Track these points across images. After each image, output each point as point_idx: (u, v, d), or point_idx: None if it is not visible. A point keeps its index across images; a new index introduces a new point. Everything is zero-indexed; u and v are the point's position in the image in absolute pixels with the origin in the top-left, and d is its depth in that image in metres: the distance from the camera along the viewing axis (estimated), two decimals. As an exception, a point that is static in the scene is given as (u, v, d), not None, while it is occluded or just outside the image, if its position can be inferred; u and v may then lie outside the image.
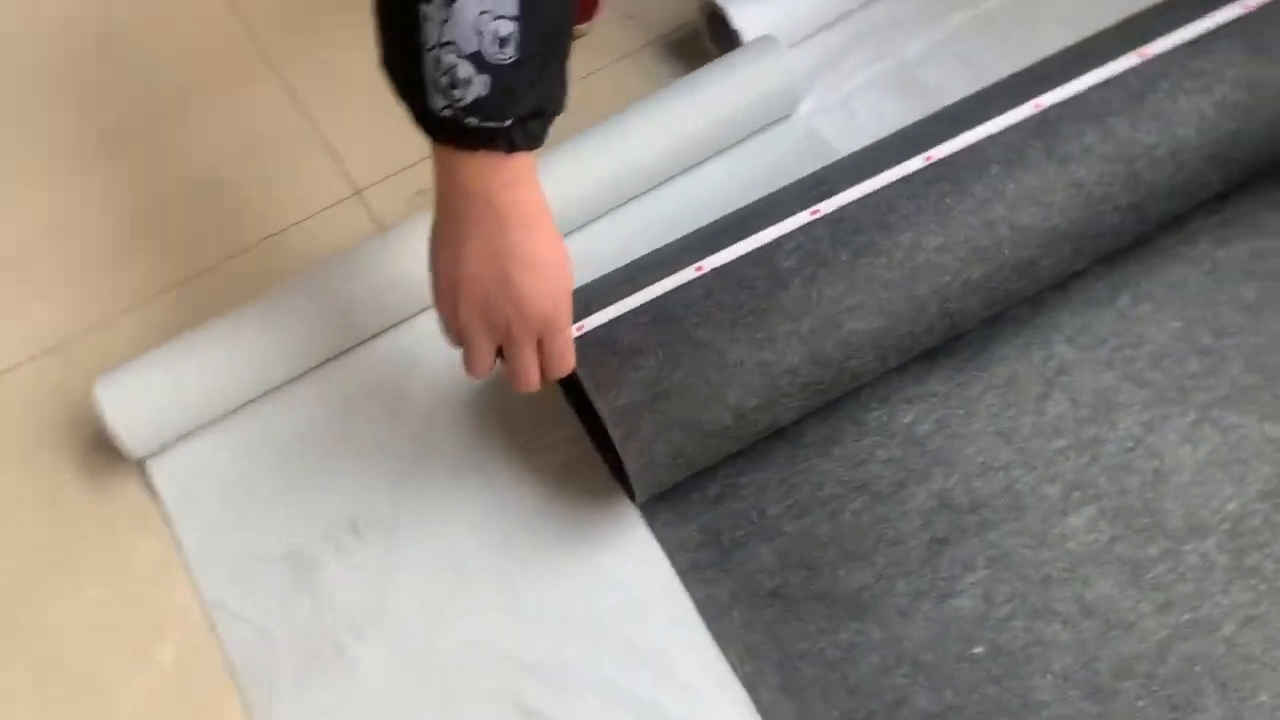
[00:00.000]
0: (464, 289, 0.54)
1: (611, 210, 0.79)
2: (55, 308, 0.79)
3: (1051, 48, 0.75)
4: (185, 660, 0.65)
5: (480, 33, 0.47)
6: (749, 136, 0.81)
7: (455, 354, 0.57)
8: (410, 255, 0.74)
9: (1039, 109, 0.67)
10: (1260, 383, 0.65)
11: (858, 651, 0.59)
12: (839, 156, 0.78)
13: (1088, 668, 0.57)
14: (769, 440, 0.66)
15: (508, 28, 0.48)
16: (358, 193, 0.84)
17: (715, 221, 0.69)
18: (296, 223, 0.83)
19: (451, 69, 0.48)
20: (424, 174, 0.81)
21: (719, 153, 0.81)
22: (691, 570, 0.63)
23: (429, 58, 0.48)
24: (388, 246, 0.74)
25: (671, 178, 0.80)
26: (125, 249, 0.82)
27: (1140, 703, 0.56)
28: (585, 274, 0.64)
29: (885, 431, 0.66)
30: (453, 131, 0.50)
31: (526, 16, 0.48)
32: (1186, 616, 0.58)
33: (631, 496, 0.63)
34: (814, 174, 0.70)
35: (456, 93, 0.48)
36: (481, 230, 0.52)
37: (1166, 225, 0.71)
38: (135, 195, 0.85)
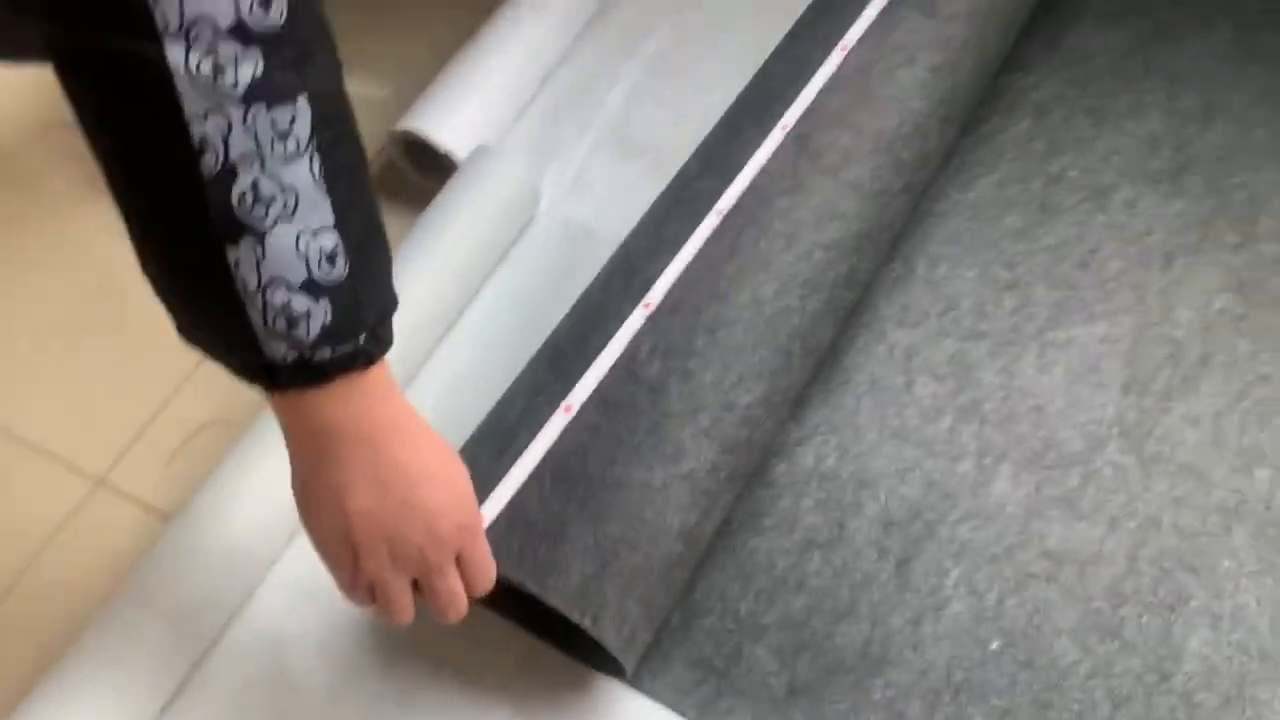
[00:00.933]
0: (360, 536, 0.47)
1: (403, 384, 0.71)
2: None
3: (737, 61, 0.78)
4: None
5: (305, 257, 0.41)
6: (504, 253, 0.77)
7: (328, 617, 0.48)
8: (210, 542, 0.62)
9: (787, 130, 0.69)
10: (1066, 294, 0.71)
11: (898, 704, 0.58)
12: (597, 237, 0.76)
13: (1089, 610, 0.59)
14: (707, 558, 0.63)
15: (330, 240, 0.42)
16: (99, 482, 0.70)
17: (542, 352, 0.65)
18: (45, 545, 0.67)
19: (285, 307, 0.41)
20: (169, 430, 0.70)
21: (484, 283, 0.75)
22: (703, 710, 0.58)
23: (253, 305, 0.41)
24: (178, 540, 0.62)
25: (447, 328, 0.74)
26: None
27: (1144, 619, 0.59)
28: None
29: (797, 481, 0.65)
30: (301, 374, 0.43)
31: (342, 221, 0.42)
32: (1133, 524, 0.62)
33: (616, 671, 0.57)
34: (619, 264, 0.67)
35: (298, 331, 0.42)
36: (358, 463, 0.46)
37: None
38: None
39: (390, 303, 0.46)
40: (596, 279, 0.67)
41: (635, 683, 0.59)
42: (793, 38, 0.76)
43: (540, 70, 0.84)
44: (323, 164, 0.41)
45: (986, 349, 0.69)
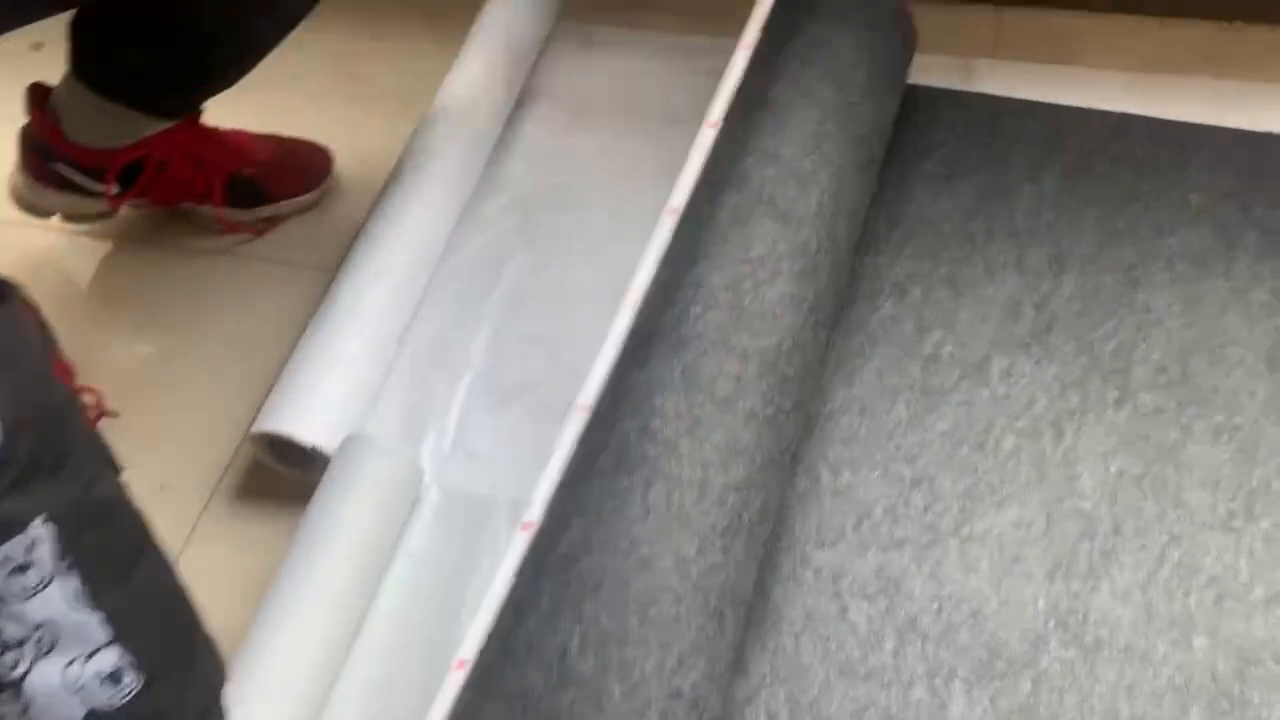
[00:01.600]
0: None
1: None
2: None
3: (591, 283, 0.76)
4: None
5: (80, 688, 0.37)
6: (396, 544, 0.72)
7: None
8: None
9: (675, 371, 0.67)
10: (970, 481, 0.71)
11: None
12: (494, 501, 0.73)
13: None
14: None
15: (110, 658, 0.37)
16: None
17: (482, 658, 0.60)
18: None
19: None
20: None
21: (380, 582, 0.70)
22: None
23: None
24: None
25: (354, 639, 0.68)
26: None
27: None
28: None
29: None
30: None
31: (122, 631, 0.38)
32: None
33: None
34: (534, 548, 0.62)
35: None
36: None
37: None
38: None
39: (214, 684, 0.43)
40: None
41: None
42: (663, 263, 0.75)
43: (394, 334, 0.80)
44: (83, 579, 0.37)
45: (910, 556, 0.68)
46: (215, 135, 0.87)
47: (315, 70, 1.01)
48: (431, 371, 0.80)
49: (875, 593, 0.67)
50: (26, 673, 0.35)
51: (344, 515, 0.68)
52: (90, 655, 0.37)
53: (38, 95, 0.81)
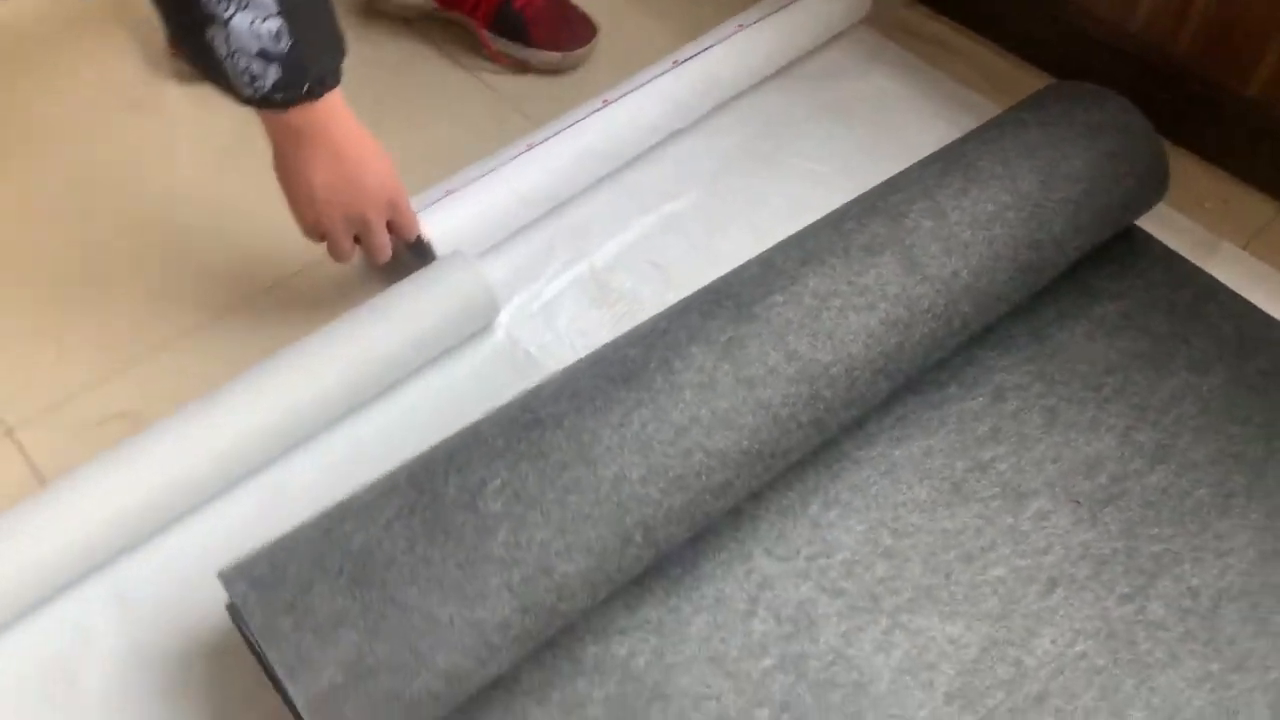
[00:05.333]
0: (321, 201, 0.72)
1: (305, 441, 0.75)
2: None
3: (735, 250, 0.79)
4: None
5: (258, 35, 0.63)
6: (449, 351, 0.80)
7: (129, 629, 0.60)
8: (77, 513, 0.66)
9: (725, 335, 0.70)
10: (938, 582, 0.70)
11: None
12: (541, 368, 0.79)
13: None
14: (484, 690, 0.64)
15: (275, 24, 0.63)
16: (8, 432, 0.75)
17: (421, 455, 0.67)
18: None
19: (247, 69, 0.64)
20: (94, 403, 0.75)
21: (419, 370, 0.79)
22: None
23: (227, 65, 0.64)
24: (49, 505, 0.66)
25: (371, 401, 0.77)
26: None
27: None
28: (281, 516, 0.61)
29: (602, 669, 0.66)
30: (265, 104, 0.67)
31: (285, 10, 0.63)
32: (895, 835, 0.60)
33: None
34: (520, 401, 0.69)
35: (257, 83, 0.65)
36: (319, 153, 0.70)
37: (848, 429, 0.76)
38: None
39: (333, 57, 0.68)
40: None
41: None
42: (777, 248, 0.77)
43: (552, 200, 0.88)
44: None
45: (838, 608, 0.68)
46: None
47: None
48: (561, 241, 0.87)
49: (787, 617, 0.68)
50: (231, 16, 0.61)
51: (419, 298, 0.76)
52: (265, 19, 0.62)
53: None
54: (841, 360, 0.70)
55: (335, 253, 0.77)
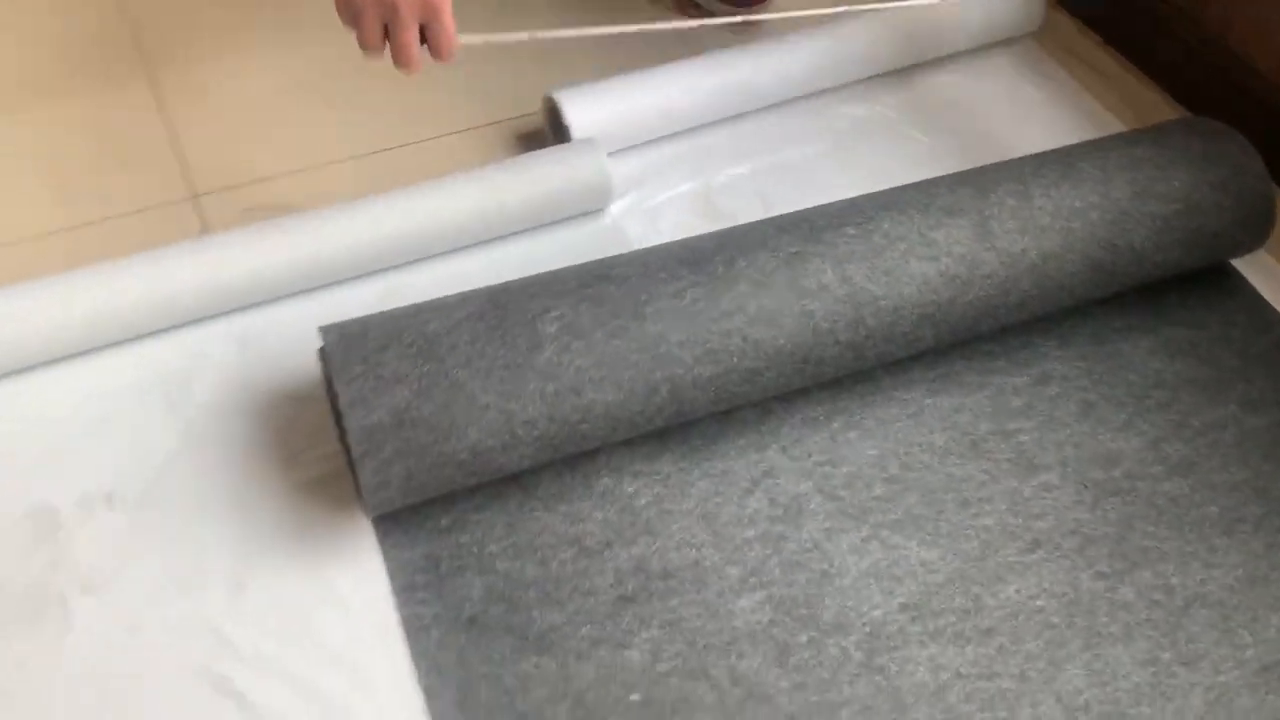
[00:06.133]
0: None
1: (427, 258, 0.87)
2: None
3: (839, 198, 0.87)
4: (-89, 588, 0.68)
5: None
6: (562, 221, 0.91)
7: (240, 363, 0.69)
8: (224, 264, 0.80)
9: (791, 249, 0.78)
10: (927, 514, 0.75)
11: (532, 682, 0.66)
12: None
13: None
14: (505, 486, 0.74)
15: None
16: (194, 197, 0.90)
17: (506, 282, 0.77)
18: (129, 213, 0.88)
19: None
20: (260, 193, 0.89)
21: (532, 229, 0.90)
22: (406, 590, 0.70)
23: None
24: (207, 251, 0.80)
25: (485, 242, 0.88)
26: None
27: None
28: (390, 304, 0.73)
29: (608, 497, 0.75)
30: None
31: None
32: (815, 698, 0.67)
33: (367, 511, 0.69)
34: (601, 261, 0.79)
35: None
36: None
37: (890, 370, 0.83)
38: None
39: None
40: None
41: (381, 536, 0.71)
42: (870, 195, 0.84)
43: (690, 121, 0.97)
44: None
45: (828, 510, 0.75)
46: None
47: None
48: (686, 159, 0.96)
49: (780, 504, 0.75)
50: None
51: (539, 165, 0.87)
52: None
53: None
54: (892, 297, 0.77)
55: (361, 38, 0.71)
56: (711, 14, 1.10)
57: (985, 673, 0.68)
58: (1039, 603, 0.72)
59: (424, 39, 0.72)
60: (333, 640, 0.68)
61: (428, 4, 0.69)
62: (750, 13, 1.09)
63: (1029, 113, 1.04)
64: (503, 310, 0.73)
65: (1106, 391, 0.83)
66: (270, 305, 0.82)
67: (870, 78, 1.05)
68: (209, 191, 0.91)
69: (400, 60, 0.71)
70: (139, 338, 0.80)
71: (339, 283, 0.84)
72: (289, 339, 0.80)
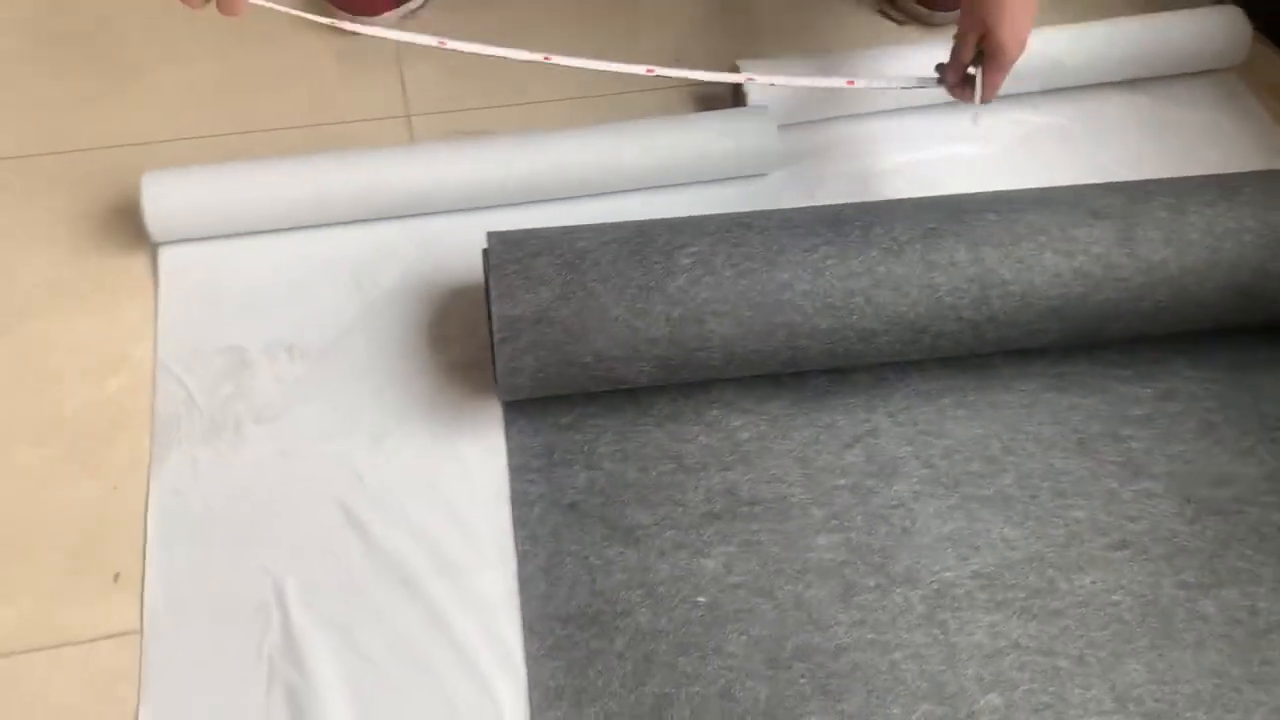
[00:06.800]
0: None
1: (600, 193, 0.95)
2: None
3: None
4: (124, 392, 0.81)
5: None
6: (725, 179, 0.97)
7: (421, 259, 0.82)
8: (423, 172, 0.91)
9: (929, 225, 0.81)
10: (1020, 496, 0.77)
11: (613, 567, 0.73)
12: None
13: (776, 642, 0.70)
14: (623, 400, 0.81)
15: None
16: (407, 116, 1.02)
17: (661, 219, 0.84)
18: (352, 121, 1.01)
19: None
20: (466, 120, 0.99)
21: (696, 183, 0.96)
22: (520, 470, 0.78)
23: None
24: (413, 159, 0.91)
25: (651, 188, 0.96)
26: (206, 99, 1.01)
27: (803, 680, 0.68)
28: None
29: (715, 426, 0.80)
30: None
31: None
32: (870, 635, 0.70)
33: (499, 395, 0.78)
34: (750, 212, 0.84)
35: None
36: None
37: (1011, 359, 0.85)
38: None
39: None
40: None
41: (508, 422, 0.80)
42: (1029, 190, 0.86)
43: (869, 106, 1.01)
44: None
45: (921, 475, 0.78)
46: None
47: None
48: (857, 140, 1.01)
49: (876, 461, 0.79)
50: None
51: (711, 124, 0.94)
52: None
53: None
54: (1021, 283, 0.79)
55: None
56: (913, 15, 1.14)
57: (1044, 649, 0.70)
58: (1114, 597, 0.73)
59: None
60: (450, 498, 0.77)
61: None
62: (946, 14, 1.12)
63: (1216, 142, 1.03)
64: (646, 239, 0.80)
65: (1233, 416, 0.82)
66: (457, 214, 0.92)
67: (1059, 89, 1.06)
68: (422, 113, 1.02)
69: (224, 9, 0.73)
70: (344, 224, 0.91)
71: (519, 204, 0.94)
72: (465, 245, 0.90)
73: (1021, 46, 0.84)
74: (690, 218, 0.83)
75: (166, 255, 0.89)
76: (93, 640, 0.70)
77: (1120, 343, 0.85)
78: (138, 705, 0.67)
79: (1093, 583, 0.73)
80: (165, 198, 0.87)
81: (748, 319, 0.77)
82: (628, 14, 1.14)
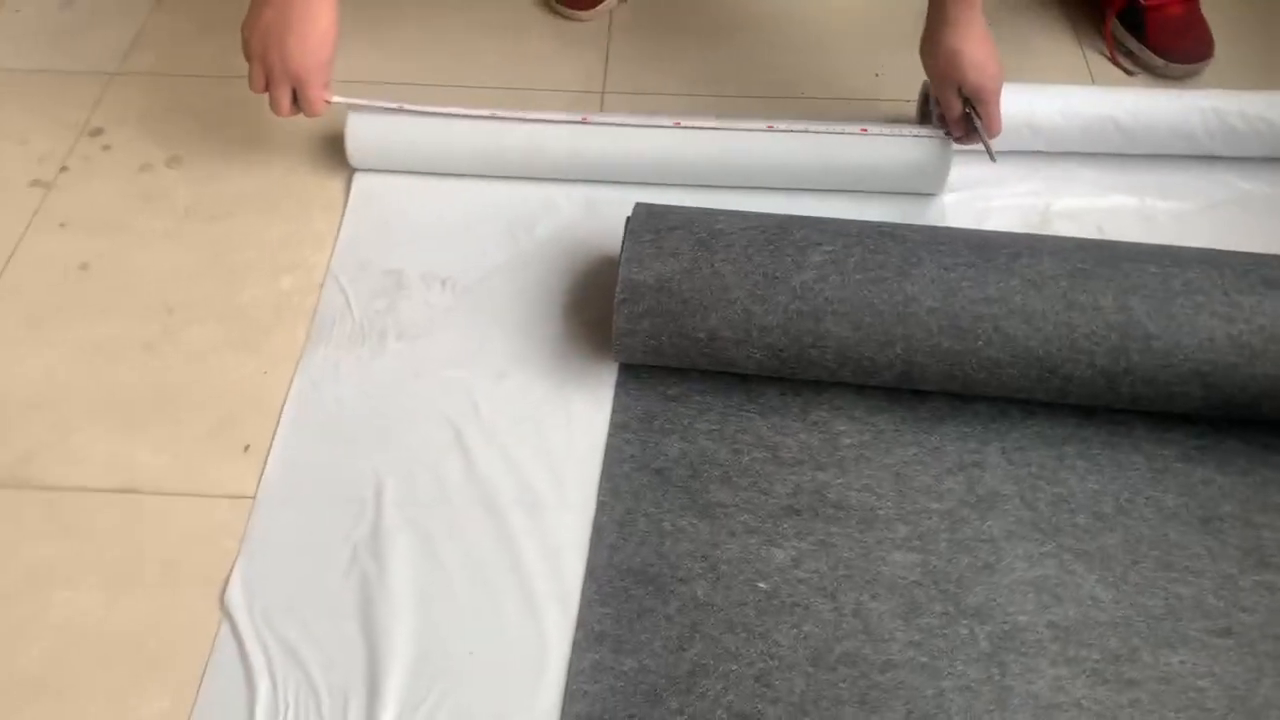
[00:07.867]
0: (253, 41, 0.84)
1: (766, 189, 0.97)
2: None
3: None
4: (294, 291, 0.90)
5: None
6: (895, 194, 0.96)
7: (578, 220, 0.88)
8: (600, 144, 0.95)
9: (1080, 264, 0.78)
10: (1122, 558, 0.73)
11: (683, 536, 0.74)
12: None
13: (825, 643, 0.69)
14: (732, 385, 0.82)
15: None
16: (601, 93, 1.07)
17: (808, 216, 0.85)
18: (548, 89, 1.07)
19: None
20: (651, 103, 1.02)
21: (866, 193, 0.96)
22: (620, 428, 0.80)
23: None
24: (586, 128, 0.96)
25: (821, 190, 0.97)
26: (427, 52, 1.10)
27: (843, 685, 0.68)
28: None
29: (818, 427, 0.80)
30: None
31: None
32: (923, 659, 0.69)
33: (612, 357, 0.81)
34: (896, 225, 0.83)
35: None
36: (272, 6, 0.83)
37: (1150, 422, 0.80)
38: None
39: None
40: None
41: (619, 385, 0.83)
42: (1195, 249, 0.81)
43: (1063, 145, 0.98)
44: None
45: (1021, 517, 0.76)
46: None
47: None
48: (1040, 176, 0.98)
49: (975, 493, 0.77)
50: None
51: (895, 139, 0.94)
52: None
53: None
54: (1167, 340, 0.75)
55: (250, 82, 0.86)
56: (1135, 56, 1.09)
57: (1106, 714, 0.66)
58: (1201, 683, 0.68)
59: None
60: (551, 442, 0.80)
61: (298, 76, 0.84)
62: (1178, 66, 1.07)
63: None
64: (784, 231, 0.81)
65: (1394, 529, 0.75)
66: (621, 186, 0.96)
67: (1250, 157, 0.99)
68: (616, 91, 1.07)
69: (271, 108, 0.87)
70: (515, 179, 0.97)
71: (684, 185, 0.97)
72: (620, 216, 0.94)
73: (996, 79, 0.86)
74: (835, 219, 0.83)
75: (359, 181, 0.97)
76: (214, 497, 0.78)
77: (1275, 424, 0.79)
78: (236, 558, 0.74)
79: (1181, 662, 0.69)
80: (365, 131, 0.95)
81: (866, 325, 0.77)
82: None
